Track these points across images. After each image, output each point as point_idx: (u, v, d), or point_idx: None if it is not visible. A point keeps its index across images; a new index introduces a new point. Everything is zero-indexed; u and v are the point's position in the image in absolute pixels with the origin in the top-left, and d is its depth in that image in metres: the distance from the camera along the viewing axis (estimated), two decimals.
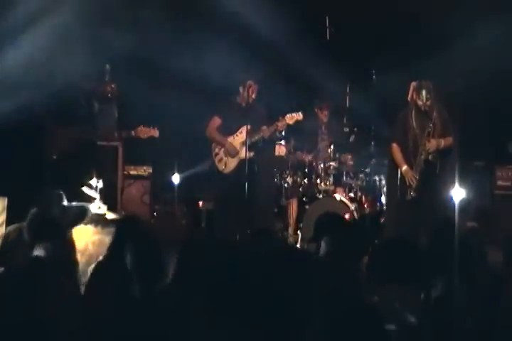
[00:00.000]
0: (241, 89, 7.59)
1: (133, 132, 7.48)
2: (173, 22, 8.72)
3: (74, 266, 4.30)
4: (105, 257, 4.12)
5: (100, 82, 7.80)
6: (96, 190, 7.01)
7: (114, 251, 4.06)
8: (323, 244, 4.43)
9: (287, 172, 8.14)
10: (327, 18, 9.00)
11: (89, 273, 4.08)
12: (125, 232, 4.14)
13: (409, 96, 6.90)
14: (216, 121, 7.71)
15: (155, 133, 7.45)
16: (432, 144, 6.74)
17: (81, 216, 5.54)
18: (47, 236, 4.27)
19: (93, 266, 4.12)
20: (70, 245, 4.51)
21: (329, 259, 4.32)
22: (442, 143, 6.80)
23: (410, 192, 6.71)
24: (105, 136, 7.57)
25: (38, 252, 4.16)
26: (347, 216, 7.26)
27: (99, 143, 7.61)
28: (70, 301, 3.48)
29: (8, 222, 6.26)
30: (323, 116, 8.34)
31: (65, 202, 5.52)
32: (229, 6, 8.43)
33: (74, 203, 5.71)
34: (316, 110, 8.36)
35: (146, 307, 3.32)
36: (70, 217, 5.36)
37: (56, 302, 3.26)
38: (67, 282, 3.75)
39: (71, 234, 4.79)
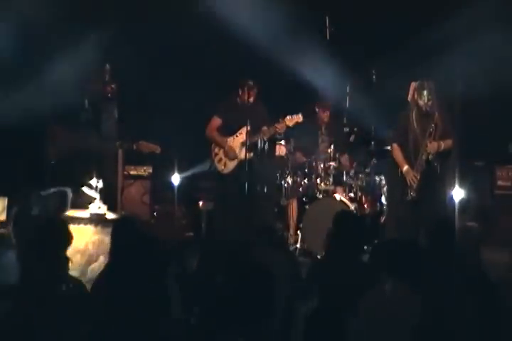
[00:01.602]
0: (241, 90, 7.58)
1: (134, 146, 7.34)
2: (172, 21, 8.72)
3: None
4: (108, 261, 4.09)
5: (100, 82, 7.78)
6: (96, 190, 7.00)
7: (114, 253, 4.04)
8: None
9: (287, 172, 8.13)
10: (327, 18, 8.99)
11: (89, 273, 4.06)
12: (122, 233, 4.12)
13: (410, 96, 6.89)
14: (216, 121, 7.71)
15: (156, 149, 7.27)
16: (433, 146, 6.74)
17: (63, 201, 5.32)
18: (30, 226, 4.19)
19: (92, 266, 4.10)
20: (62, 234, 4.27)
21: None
22: (442, 145, 6.80)
23: (411, 192, 6.71)
24: (105, 147, 7.44)
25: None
26: None
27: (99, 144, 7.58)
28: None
29: (8, 221, 6.26)
30: (324, 116, 8.31)
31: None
32: (229, 5, 8.43)
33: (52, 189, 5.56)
34: (316, 110, 8.33)
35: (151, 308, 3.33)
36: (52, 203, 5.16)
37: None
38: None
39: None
